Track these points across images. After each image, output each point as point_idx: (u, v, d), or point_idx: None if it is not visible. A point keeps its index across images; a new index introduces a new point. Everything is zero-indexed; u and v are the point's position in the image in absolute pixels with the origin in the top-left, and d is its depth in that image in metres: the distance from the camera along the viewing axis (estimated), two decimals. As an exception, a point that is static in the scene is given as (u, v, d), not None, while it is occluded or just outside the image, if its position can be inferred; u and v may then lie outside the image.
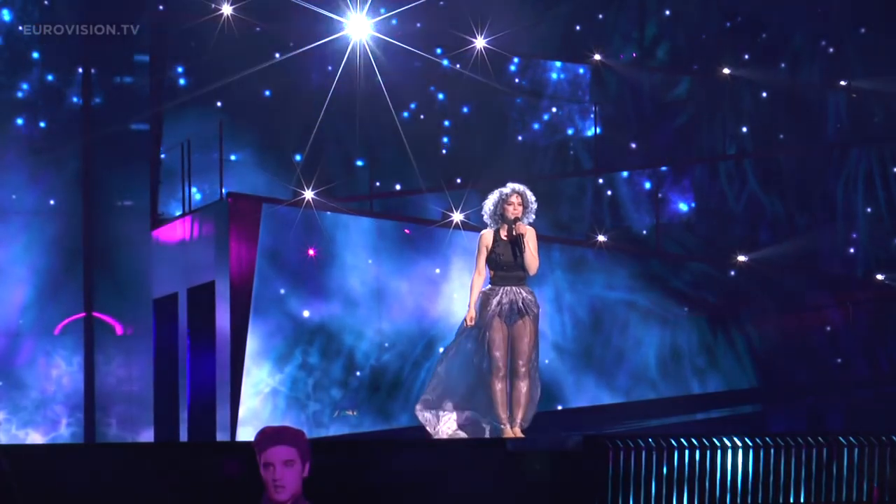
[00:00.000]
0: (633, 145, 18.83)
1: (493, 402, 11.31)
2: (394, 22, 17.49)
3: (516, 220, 11.35)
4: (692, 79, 19.29)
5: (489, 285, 11.51)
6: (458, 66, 17.81)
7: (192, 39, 17.23)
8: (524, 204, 11.41)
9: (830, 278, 18.90)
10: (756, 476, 10.48)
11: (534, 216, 11.52)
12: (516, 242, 11.32)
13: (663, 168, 18.89)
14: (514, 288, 11.37)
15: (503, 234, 11.42)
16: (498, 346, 11.29)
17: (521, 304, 11.33)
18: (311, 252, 15.66)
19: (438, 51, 18.01)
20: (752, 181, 19.18)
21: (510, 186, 11.49)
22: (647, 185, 18.69)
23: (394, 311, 16.04)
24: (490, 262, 11.46)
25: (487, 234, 11.48)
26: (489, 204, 11.52)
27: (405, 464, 10.03)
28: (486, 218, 11.55)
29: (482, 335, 11.37)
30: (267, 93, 17.52)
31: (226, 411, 15.36)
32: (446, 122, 18.00)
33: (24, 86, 17.65)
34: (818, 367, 18.34)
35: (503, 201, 11.43)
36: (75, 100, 17.79)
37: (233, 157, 16.97)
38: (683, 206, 18.97)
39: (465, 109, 18.06)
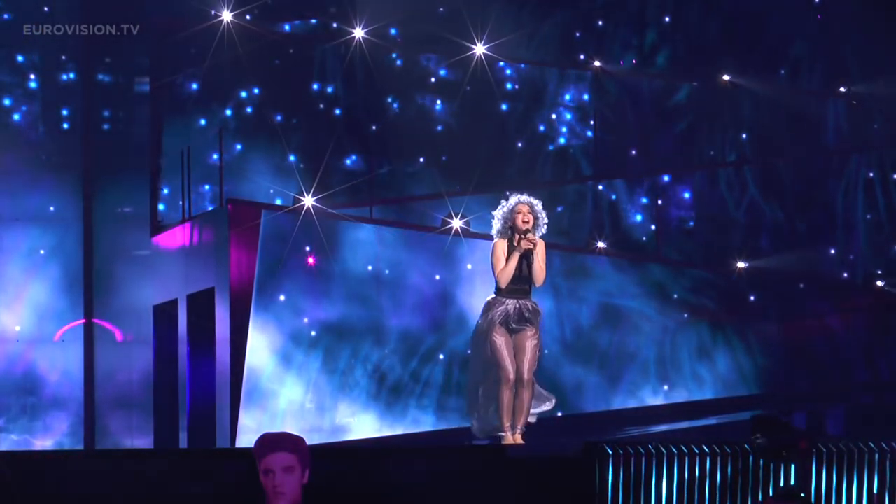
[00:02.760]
0: (633, 152, 18.82)
1: (497, 409, 11.32)
2: (392, 30, 17.50)
3: (527, 231, 11.34)
4: (692, 85, 19.28)
5: (494, 295, 11.50)
6: (457, 72, 17.81)
7: (192, 45, 17.23)
8: (534, 215, 11.41)
9: (830, 285, 18.89)
10: (756, 483, 10.47)
11: (545, 229, 11.51)
12: (524, 255, 11.32)
13: (663, 175, 18.88)
14: (519, 300, 11.40)
15: (515, 245, 11.41)
16: (504, 354, 11.33)
17: (525, 313, 11.35)
18: (310, 259, 15.65)
19: (437, 57, 18.01)
20: (752, 188, 19.17)
21: (517, 197, 11.51)
22: (647, 192, 18.68)
23: (394, 318, 16.04)
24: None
25: (502, 243, 11.46)
26: (498, 216, 11.53)
27: (405, 471, 10.03)
28: (495, 232, 11.55)
29: (484, 343, 11.39)
30: (268, 99, 17.52)
31: (225, 418, 15.35)
32: (446, 129, 17.99)
33: (24, 91, 17.64)
34: (818, 373, 18.33)
35: (512, 211, 11.43)
36: (75, 105, 17.78)
37: (238, 146, 16.95)
38: (683, 213, 18.96)
39: (465, 116, 18.05)
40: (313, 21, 17.79)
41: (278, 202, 16.61)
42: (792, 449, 9.25)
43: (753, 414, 9.98)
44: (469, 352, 11.87)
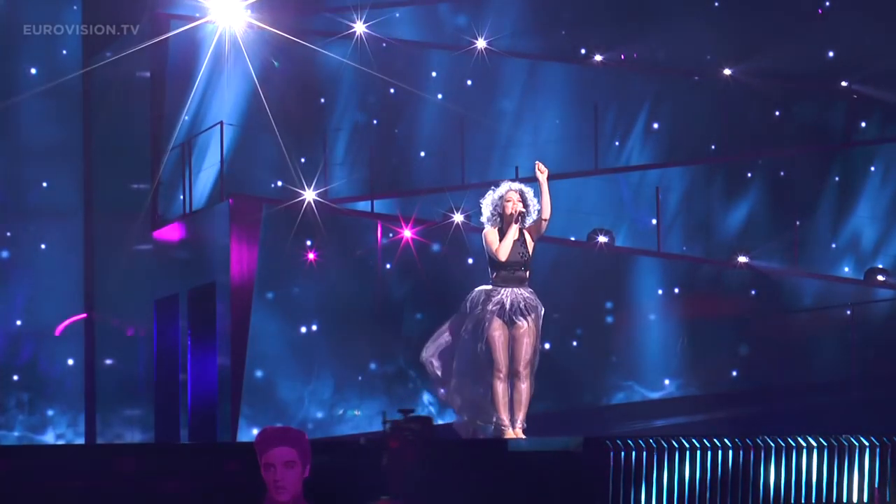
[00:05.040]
0: (635, 145, 18.84)
1: (493, 403, 11.20)
2: (392, 24, 17.52)
3: (516, 216, 11.11)
4: (693, 80, 19.31)
5: (489, 285, 11.29)
6: (458, 66, 17.83)
7: (193, 40, 17.26)
8: (524, 202, 11.20)
9: (830, 279, 18.90)
10: (756, 477, 10.48)
11: (535, 215, 11.26)
12: (517, 238, 11.15)
13: (665, 168, 18.90)
14: (515, 289, 11.17)
15: (506, 230, 11.19)
16: (498, 346, 11.15)
17: (522, 305, 11.17)
18: (311, 253, 15.67)
19: (438, 51, 18.02)
20: (753, 182, 19.20)
21: (508, 184, 11.30)
22: (649, 186, 18.69)
23: (396, 311, 16.05)
24: (491, 262, 11.25)
25: (493, 231, 11.22)
26: (486, 204, 11.28)
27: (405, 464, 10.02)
28: (484, 220, 11.32)
29: (481, 333, 11.23)
30: (269, 93, 17.53)
31: (227, 412, 15.37)
32: (447, 123, 18.00)
33: (26, 84, 17.66)
34: (819, 367, 18.33)
35: (502, 198, 11.20)
36: (77, 99, 17.80)
37: (238, 140, 16.98)
38: (684, 206, 18.97)
39: (466, 109, 18.06)
40: (314, 15, 17.80)
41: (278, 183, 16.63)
42: (386, 447, 9.30)
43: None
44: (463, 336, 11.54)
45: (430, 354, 11.55)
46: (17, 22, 17.31)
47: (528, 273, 11.21)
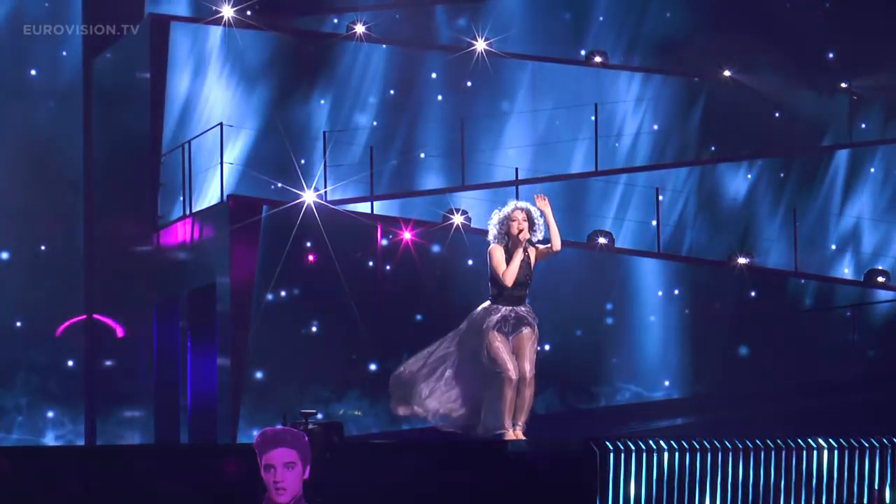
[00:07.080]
0: (635, 146, 18.85)
1: (499, 410, 11.22)
2: (396, 17, 17.54)
3: (521, 233, 11.15)
4: (693, 80, 19.32)
5: (489, 303, 11.33)
6: (458, 67, 17.84)
7: (192, 40, 17.27)
8: (530, 220, 11.24)
9: (831, 280, 18.92)
10: (756, 479, 10.49)
11: (540, 234, 11.32)
12: (523, 259, 11.16)
13: (665, 169, 18.91)
14: (514, 307, 11.26)
15: (513, 251, 11.21)
16: (505, 356, 11.21)
17: (519, 316, 11.25)
18: (311, 254, 15.67)
19: (438, 52, 18.03)
20: (753, 182, 19.20)
21: (513, 203, 11.34)
22: (649, 186, 18.71)
23: (395, 314, 16.05)
24: (493, 281, 11.26)
25: (499, 249, 11.24)
26: (493, 222, 11.33)
27: (406, 465, 10.05)
28: (491, 237, 11.35)
29: (483, 349, 11.26)
30: (269, 94, 17.54)
31: (227, 413, 15.37)
32: (447, 124, 18.01)
33: (26, 84, 17.66)
34: (819, 368, 18.35)
35: (507, 218, 11.25)
36: (77, 99, 17.80)
37: (238, 141, 16.99)
38: (684, 207, 18.98)
39: (466, 111, 18.07)
40: (315, 16, 17.82)
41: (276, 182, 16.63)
42: None
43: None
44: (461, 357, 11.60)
45: (416, 371, 11.63)
46: (17, 22, 17.32)
47: (527, 291, 11.31)
